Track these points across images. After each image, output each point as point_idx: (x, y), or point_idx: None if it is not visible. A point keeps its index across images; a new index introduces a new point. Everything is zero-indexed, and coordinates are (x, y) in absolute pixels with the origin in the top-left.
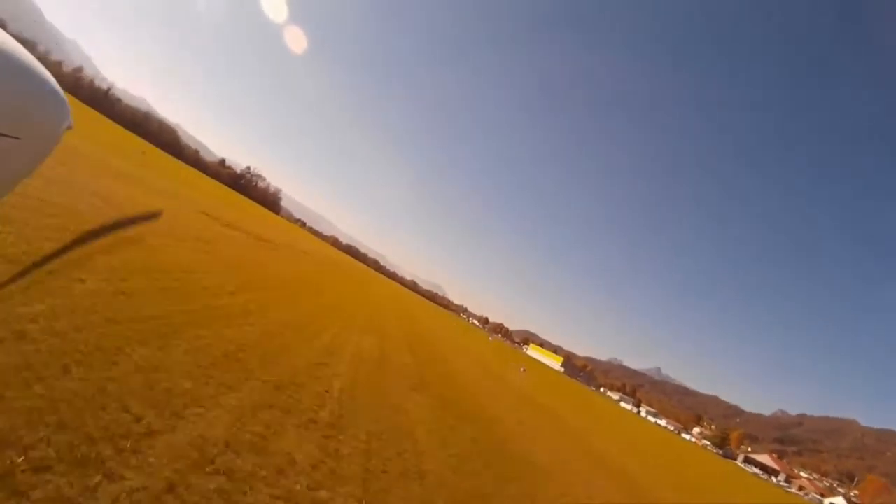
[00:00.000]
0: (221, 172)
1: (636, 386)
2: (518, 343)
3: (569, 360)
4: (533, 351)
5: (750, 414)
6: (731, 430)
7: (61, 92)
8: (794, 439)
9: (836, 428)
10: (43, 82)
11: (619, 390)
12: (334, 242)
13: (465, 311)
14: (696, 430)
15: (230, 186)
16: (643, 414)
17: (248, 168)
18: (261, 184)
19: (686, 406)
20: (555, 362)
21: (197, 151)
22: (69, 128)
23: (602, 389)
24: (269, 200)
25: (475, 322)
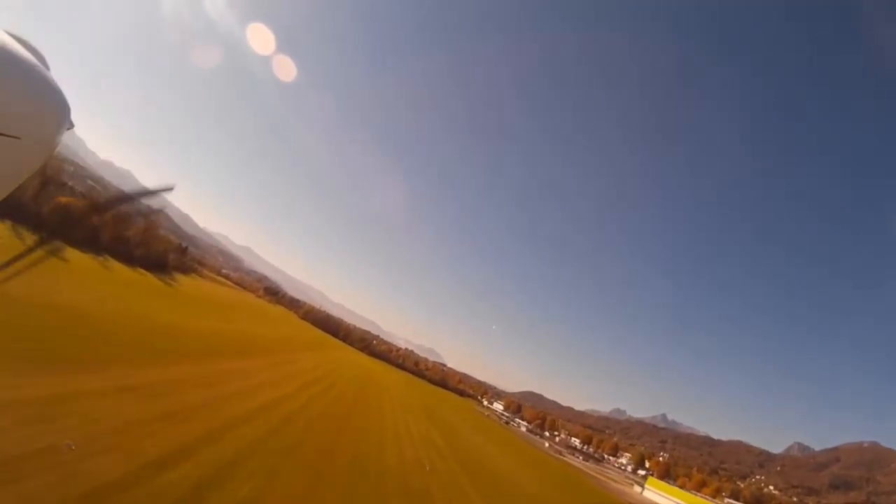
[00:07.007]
0: None
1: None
2: (635, 474)
3: None
4: (656, 491)
5: (785, 457)
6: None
7: (62, 92)
8: (846, 482)
9: (874, 458)
10: (44, 83)
11: None
12: (308, 312)
13: (484, 393)
14: None
15: None
16: None
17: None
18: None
19: (717, 458)
20: None
21: None
22: (70, 128)
23: None
24: None
25: (498, 408)
